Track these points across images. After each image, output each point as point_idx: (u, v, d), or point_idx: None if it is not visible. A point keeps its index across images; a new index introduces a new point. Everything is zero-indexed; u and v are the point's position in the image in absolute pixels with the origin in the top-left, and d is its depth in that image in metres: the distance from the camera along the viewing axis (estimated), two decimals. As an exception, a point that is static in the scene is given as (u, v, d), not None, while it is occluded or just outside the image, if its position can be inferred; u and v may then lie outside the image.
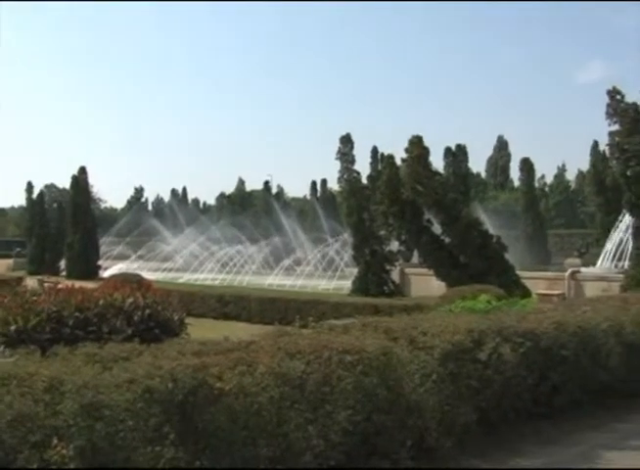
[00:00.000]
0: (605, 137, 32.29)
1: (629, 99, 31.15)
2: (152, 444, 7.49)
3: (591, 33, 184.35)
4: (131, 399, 7.56)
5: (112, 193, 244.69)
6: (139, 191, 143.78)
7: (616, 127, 31.11)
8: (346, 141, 38.70)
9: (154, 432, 7.58)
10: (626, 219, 38.67)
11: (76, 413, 7.14)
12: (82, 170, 61.52)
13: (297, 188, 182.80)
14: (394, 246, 37.85)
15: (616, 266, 40.40)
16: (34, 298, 16.06)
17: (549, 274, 39.99)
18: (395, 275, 39.79)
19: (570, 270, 37.24)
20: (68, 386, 7.41)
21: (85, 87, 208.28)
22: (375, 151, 78.78)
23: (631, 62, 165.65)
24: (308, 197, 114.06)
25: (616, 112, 30.88)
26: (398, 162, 34.73)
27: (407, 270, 41.93)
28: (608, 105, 31.04)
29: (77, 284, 18.33)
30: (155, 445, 7.49)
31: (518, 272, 32.63)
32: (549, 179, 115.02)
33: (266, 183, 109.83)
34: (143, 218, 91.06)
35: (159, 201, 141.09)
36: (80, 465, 6.94)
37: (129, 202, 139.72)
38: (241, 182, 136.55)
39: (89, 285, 19.94)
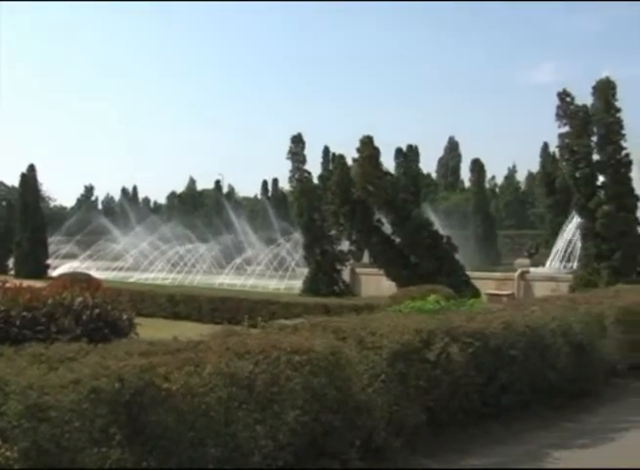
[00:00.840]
0: (555, 139, 32.60)
1: (579, 101, 31.48)
2: (98, 445, 7.42)
3: (542, 35, 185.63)
4: (77, 400, 7.48)
5: (61, 191, 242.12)
6: (89, 189, 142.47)
7: (565, 129, 31.42)
8: (298, 141, 38.67)
9: (100, 433, 7.52)
10: (575, 220, 39.02)
11: (21, 414, 7.05)
12: (31, 168, 61.09)
13: (248, 187, 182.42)
14: (345, 246, 38.00)
15: (564, 267, 40.82)
16: (-19, 297, 15.85)
17: (499, 274, 40.31)
18: (346, 275, 39.87)
19: (519, 271, 37.55)
20: (13, 387, 7.31)
21: (32, 85, 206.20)
22: (326, 151, 78.87)
23: (582, 64, 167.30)
24: (259, 196, 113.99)
25: (565, 114, 31.19)
26: (349, 162, 34.86)
27: (358, 270, 42.08)
28: (558, 107, 31.34)
29: (26, 283, 18.08)
30: (101, 446, 7.43)
31: (468, 272, 32.95)
32: (499, 180, 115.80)
33: (217, 182, 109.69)
34: (93, 217, 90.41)
35: (109, 200, 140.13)
36: (25, 467, 6.87)
37: (79, 200, 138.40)
38: (192, 181, 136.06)
39: (38, 284, 19.66)
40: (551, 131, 30.29)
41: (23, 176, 60.86)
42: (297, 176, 38.79)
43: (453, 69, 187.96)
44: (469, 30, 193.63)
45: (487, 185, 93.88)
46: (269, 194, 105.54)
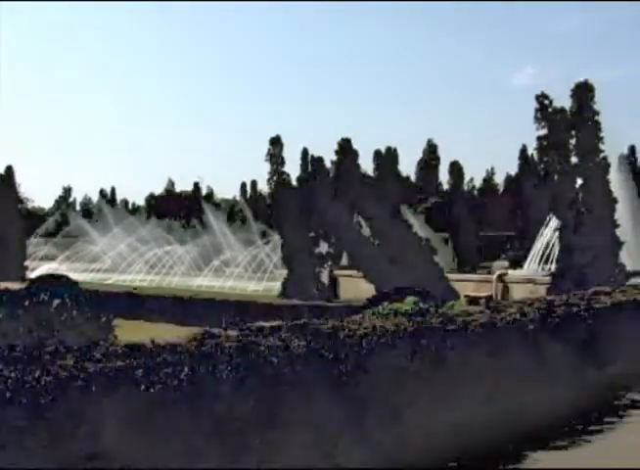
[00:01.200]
0: (533, 141, 32.71)
1: (558, 103, 31.63)
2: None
3: (522, 37, 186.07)
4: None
5: (39, 192, 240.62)
6: (67, 191, 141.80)
7: (544, 132, 31.53)
8: (276, 142, 38.64)
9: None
10: (553, 223, 39.15)
11: None
12: (9, 169, 60.73)
13: (227, 189, 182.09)
14: (324, 248, 37.93)
15: (542, 269, 40.89)
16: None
17: (477, 276, 40.34)
18: (325, 277, 39.79)
19: (497, 273, 37.60)
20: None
21: (10, 86, 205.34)
22: (305, 152, 78.76)
23: (561, 66, 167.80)
24: (238, 198, 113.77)
25: (544, 116, 31.31)
26: (328, 164, 34.92)
27: (336, 272, 41.99)
28: (536, 109, 31.46)
29: (3, 285, 18.06)
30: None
31: (446, 274, 32.96)
32: (478, 183, 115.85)
33: (196, 184, 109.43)
34: (71, 219, 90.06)
35: (87, 201, 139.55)
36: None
37: (57, 202, 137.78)
38: (170, 183, 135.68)
39: (15, 286, 19.65)
40: (530, 134, 30.42)
41: (1, 177, 60.52)
42: (275, 178, 38.70)
43: (433, 70, 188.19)
44: (451, 32, 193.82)
45: (466, 187, 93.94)
46: (248, 195, 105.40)
